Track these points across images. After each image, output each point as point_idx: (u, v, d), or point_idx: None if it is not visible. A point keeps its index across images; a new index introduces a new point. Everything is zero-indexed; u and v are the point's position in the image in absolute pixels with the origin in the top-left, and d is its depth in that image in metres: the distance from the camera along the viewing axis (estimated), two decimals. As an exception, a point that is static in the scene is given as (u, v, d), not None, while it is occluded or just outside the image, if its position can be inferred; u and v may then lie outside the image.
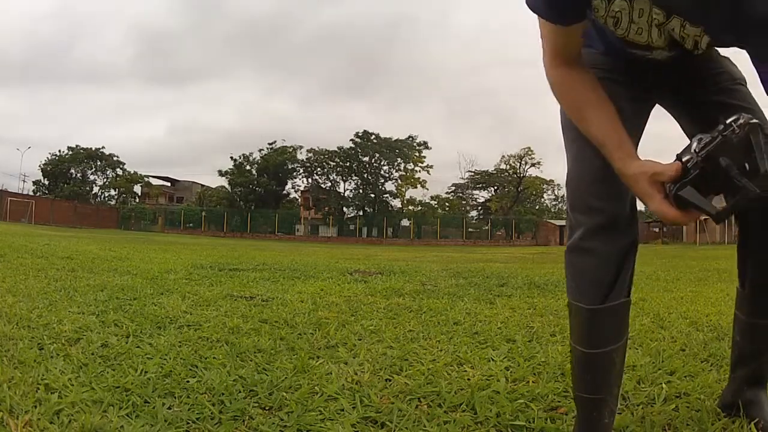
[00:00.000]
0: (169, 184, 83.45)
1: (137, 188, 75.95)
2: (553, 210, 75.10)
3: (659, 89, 1.82)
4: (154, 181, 79.47)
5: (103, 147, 71.78)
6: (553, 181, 72.03)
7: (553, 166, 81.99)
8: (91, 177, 72.66)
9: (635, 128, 1.75)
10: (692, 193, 1.22)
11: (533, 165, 70.78)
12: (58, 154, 70.56)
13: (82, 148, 70.81)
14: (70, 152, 70.51)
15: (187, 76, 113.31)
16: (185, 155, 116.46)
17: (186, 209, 67.89)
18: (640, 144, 1.79)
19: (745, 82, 1.79)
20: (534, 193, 73.91)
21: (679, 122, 1.87)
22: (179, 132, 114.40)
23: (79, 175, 71.16)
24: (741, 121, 1.16)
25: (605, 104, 1.50)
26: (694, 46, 1.51)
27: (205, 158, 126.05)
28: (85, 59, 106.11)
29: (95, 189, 72.93)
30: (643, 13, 1.47)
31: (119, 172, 72.69)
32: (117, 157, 72.56)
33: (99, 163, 71.89)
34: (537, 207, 74.62)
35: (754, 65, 1.28)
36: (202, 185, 79.46)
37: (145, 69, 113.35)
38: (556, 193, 74.63)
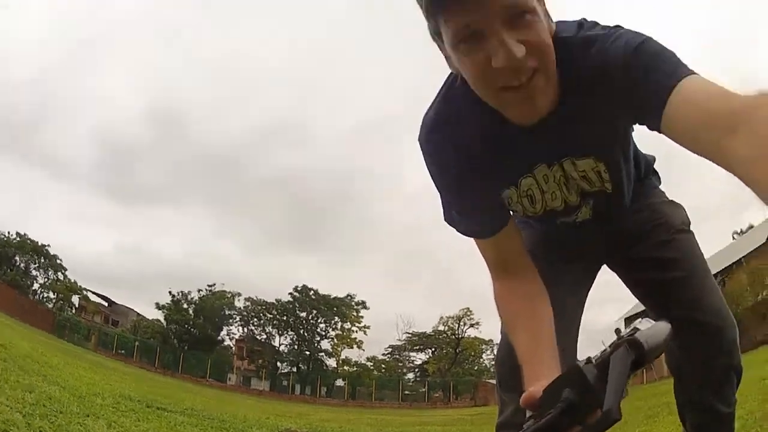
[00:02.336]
0: (106, 304, 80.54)
1: (75, 299, 73.26)
2: (491, 370, 74.37)
3: (599, 254, 1.92)
4: (92, 297, 76.81)
5: (48, 245, 68.95)
6: (491, 340, 71.66)
7: (492, 326, 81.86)
8: (34, 272, 69.19)
9: (576, 300, 1.88)
10: (528, 428, 1.08)
11: (472, 325, 71.05)
12: (6, 235, 67.85)
13: (30, 239, 67.67)
14: (18, 239, 67.41)
15: (140, 197, 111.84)
16: (126, 278, 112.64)
17: (120, 335, 64.81)
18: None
19: (688, 226, 1.90)
20: (473, 353, 73.54)
21: (625, 281, 1.96)
22: (124, 252, 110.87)
23: (22, 265, 68.00)
24: (618, 338, 1.05)
25: (535, 323, 1.52)
26: (600, 182, 1.59)
27: (145, 286, 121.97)
28: (49, 147, 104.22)
29: (35, 285, 69.33)
30: (547, 178, 1.57)
31: (60, 276, 70.30)
32: (60, 260, 70.26)
33: (42, 260, 69.05)
34: (476, 367, 73.91)
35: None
36: (138, 314, 77.02)
37: (103, 177, 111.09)
38: (495, 353, 74.10)
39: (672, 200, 1.97)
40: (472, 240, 1.66)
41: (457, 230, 1.64)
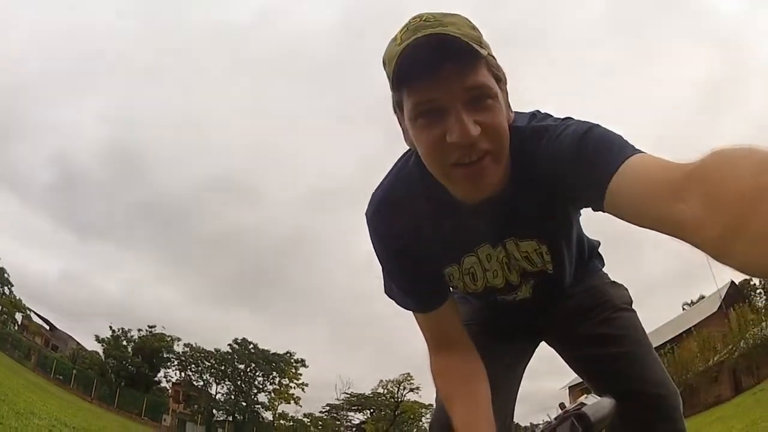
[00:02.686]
0: (48, 327, 78.64)
1: (18, 316, 71.62)
2: (431, 433, 73.86)
3: (539, 330, 1.96)
4: (35, 318, 74.87)
5: None
6: (432, 405, 71.06)
7: (433, 391, 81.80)
8: None
9: (514, 375, 1.94)
10: None
11: (412, 390, 70.99)
12: None
13: None
14: None
15: (91, 228, 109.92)
16: (68, 306, 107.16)
17: (59, 360, 63.14)
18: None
19: (630, 304, 1.92)
20: (412, 416, 72.99)
21: (565, 358, 1.97)
22: (69, 279, 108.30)
23: None
24: (564, 411, 1.10)
25: (472, 398, 1.57)
26: (542, 263, 1.61)
27: (86, 317, 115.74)
28: (8, 161, 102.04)
29: None
30: (490, 257, 1.59)
31: (6, 291, 68.83)
32: (8, 275, 69.04)
33: None
34: (414, 430, 73.51)
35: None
36: (78, 342, 75.54)
37: (56, 202, 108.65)
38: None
39: (614, 281, 1.98)
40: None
41: (396, 303, 1.67)
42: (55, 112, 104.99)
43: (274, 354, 67.69)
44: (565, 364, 2.01)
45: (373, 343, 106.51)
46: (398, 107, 1.37)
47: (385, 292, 1.69)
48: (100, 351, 65.65)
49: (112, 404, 54.53)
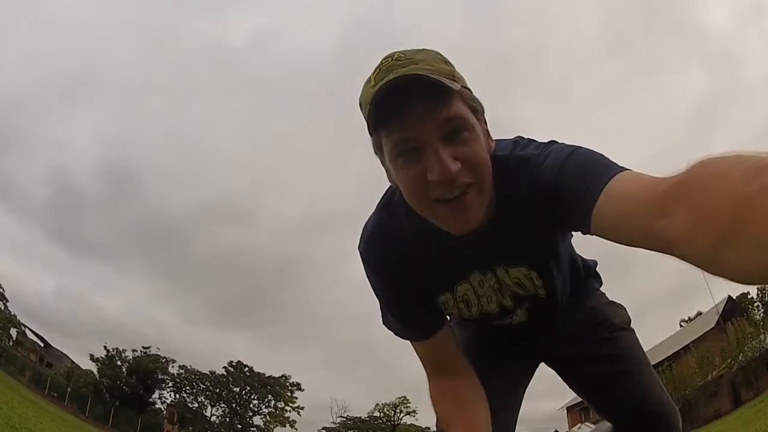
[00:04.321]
0: (42, 344, 78.29)
1: (13, 332, 71.30)
2: (428, 458, 73.29)
3: (538, 352, 1.97)
4: (30, 334, 74.66)
5: None
6: (428, 428, 69.92)
7: (429, 415, 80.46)
8: None
9: (514, 397, 1.96)
10: None
11: (408, 413, 70.39)
12: None
13: None
14: None
15: (87, 248, 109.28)
16: (63, 323, 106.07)
17: (54, 377, 62.96)
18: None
19: (628, 324, 1.94)
20: None
21: (564, 378, 2.00)
22: (65, 298, 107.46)
23: None
24: None
25: (471, 423, 1.58)
26: (533, 287, 1.63)
27: (80, 335, 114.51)
28: (5, 175, 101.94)
29: None
30: (482, 283, 1.60)
31: (1, 306, 68.64)
32: (3, 290, 68.99)
33: None
34: None
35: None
36: (73, 361, 75.04)
37: (53, 219, 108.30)
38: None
39: (612, 301, 1.99)
40: None
41: (393, 333, 1.68)
42: (52, 127, 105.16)
43: (269, 377, 67.28)
44: (564, 384, 2.04)
45: (368, 366, 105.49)
46: (378, 149, 1.38)
47: (383, 323, 1.70)
48: (95, 370, 65.11)
49: (106, 423, 54.12)
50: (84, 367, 69.93)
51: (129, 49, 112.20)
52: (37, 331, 74.50)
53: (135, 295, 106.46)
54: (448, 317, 1.73)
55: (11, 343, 67.68)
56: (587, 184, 1.18)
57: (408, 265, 1.54)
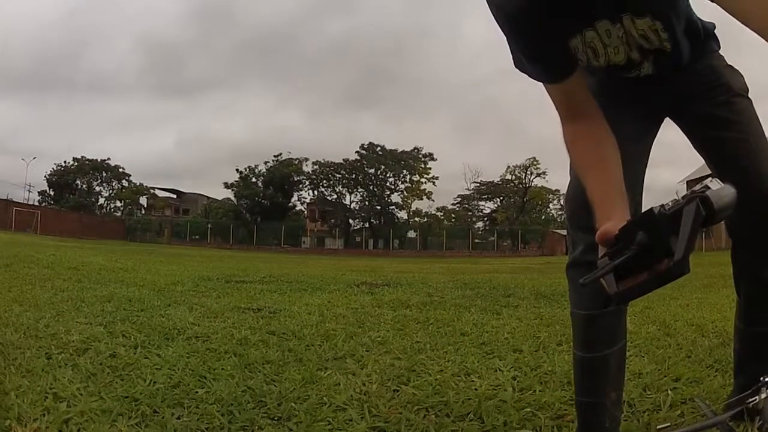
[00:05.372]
0: (174, 196, 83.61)
1: (143, 200, 76.19)
2: (558, 220, 74.12)
3: (663, 106, 1.89)
4: (160, 193, 79.80)
5: (108, 159, 72.47)
6: (558, 190, 71.05)
7: (559, 176, 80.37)
8: (97, 188, 73.07)
9: (641, 148, 1.88)
10: (604, 264, 1.13)
11: (539, 175, 70.79)
12: (63, 164, 70.91)
13: (88, 160, 71.30)
14: (76, 163, 70.89)
15: (195, 88, 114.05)
16: (191, 167, 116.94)
17: (192, 221, 67.99)
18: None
19: (746, 92, 1.85)
20: (540, 203, 73.54)
21: (687, 137, 1.93)
22: (186, 144, 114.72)
23: (84, 186, 71.57)
24: (690, 192, 1.08)
25: (605, 165, 1.55)
26: (658, 40, 1.61)
27: (211, 170, 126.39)
28: (92, 69, 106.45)
29: (101, 200, 73.32)
30: (610, 33, 1.59)
31: (125, 183, 72.96)
32: (123, 168, 72.91)
33: (104, 174, 72.42)
34: (543, 217, 74.24)
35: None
36: (208, 197, 79.58)
37: (153, 80, 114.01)
38: (561, 203, 73.92)
39: (731, 65, 1.90)
40: (537, 92, 1.68)
41: (528, 75, 1.64)
42: (121, 7, 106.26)
43: (401, 152, 69.30)
44: (684, 156, 2.27)
45: (496, 130, 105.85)
46: None
47: (515, 65, 1.64)
48: (231, 196, 68.83)
49: (251, 243, 58.05)
50: (220, 199, 73.37)
51: None
52: (166, 187, 78.99)
53: (255, 110, 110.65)
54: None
55: (142, 212, 72.27)
56: None
57: (537, 6, 1.47)
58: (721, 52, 1.93)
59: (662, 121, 1.96)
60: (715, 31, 1.93)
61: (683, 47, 1.71)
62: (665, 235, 1.03)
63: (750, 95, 1.88)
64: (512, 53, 1.64)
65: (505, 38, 1.61)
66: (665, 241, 1.02)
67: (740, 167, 1.71)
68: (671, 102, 1.87)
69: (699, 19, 1.83)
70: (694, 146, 1.92)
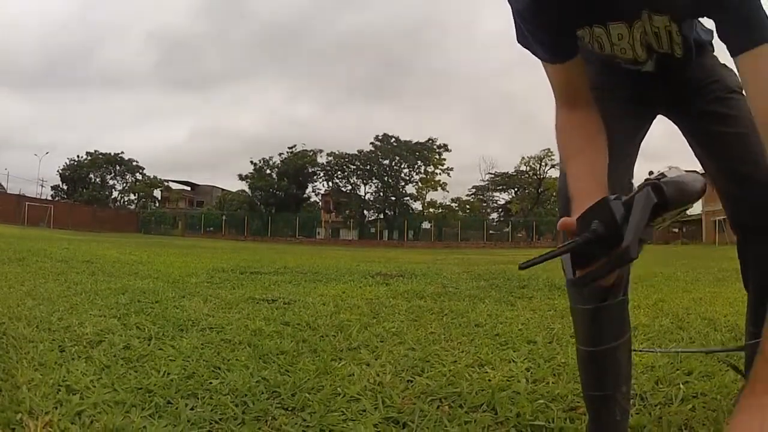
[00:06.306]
0: (189, 188, 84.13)
1: (157, 192, 76.70)
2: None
3: (658, 101, 1.91)
4: (174, 186, 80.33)
5: (122, 152, 73.27)
6: None
7: None
8: (110, 182, 73.97)
9: (632, 143, 1.88)
10: (549, 251, 1.17)
11: (553, 166, 69.71)
12: (76, 159, 71.99)
13: (101, 154, 72.28)
14: (89, 157, 71.91)
15: (209, 81, 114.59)
16: (205, 160, 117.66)
17: (206, 213, 68.37)
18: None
19: (740, 90, 1.86)
20: (554, 194, 72.57)
21: (682, 133, 1.96)
22: (199, 137, 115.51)
23: (98, 180, 72.44)
24: (645, 180, 1.12)
25: (589, 155, 1.56)
26: (668, 43, 1.62)
27: (226, 162, 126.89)
28: (105, 64, 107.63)
29: (114, 194, 74.09)
30: (621, 36, 1.60)
31: (139, 177, 73.49)
32: (136, 162, 73.44)
33: (118, 168, 73.20)
34: (557, 208, 73.44)
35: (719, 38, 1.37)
36: (223, 189, 80.00)
37: (166, 74, 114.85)
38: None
39: (724, 64, 1.93)
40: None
41: (530, 51, 1.65)
42: (133, 4, 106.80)
43: (416, 143, 69.42)
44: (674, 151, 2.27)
45: (510, 121, 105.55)
46: None
47: (518, 40, 1.63)
48: (246, 188, 68.88)
49: (266, 234, 58.03)
50: (234, 190, 73.60)
51: None
52: (180, 180, 79.31)
53: (269, 102, 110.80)
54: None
55: (156, 204, 72.68)
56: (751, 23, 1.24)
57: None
58: (715, 53, 1.97)
59: (654, 118, 1.99)
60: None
61: (693, 54, 1.74)
62: (620, 223, 1.08)
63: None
64: (516, 28, 1.63)
65: (511, 12, 1.61)
66: (620, 228, 1.07)
67: (742, 160, 1.74)
68: (666, 98, 1.90)
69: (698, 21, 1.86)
70: (689, 143, 1.95)
